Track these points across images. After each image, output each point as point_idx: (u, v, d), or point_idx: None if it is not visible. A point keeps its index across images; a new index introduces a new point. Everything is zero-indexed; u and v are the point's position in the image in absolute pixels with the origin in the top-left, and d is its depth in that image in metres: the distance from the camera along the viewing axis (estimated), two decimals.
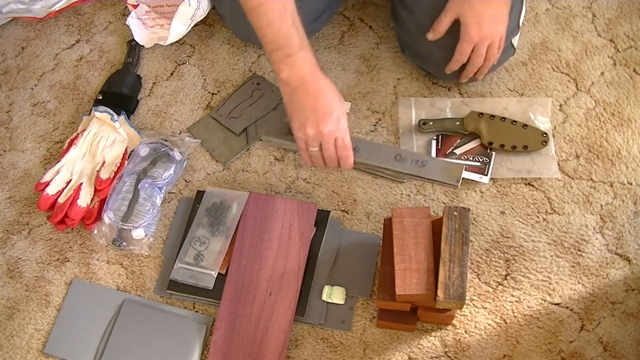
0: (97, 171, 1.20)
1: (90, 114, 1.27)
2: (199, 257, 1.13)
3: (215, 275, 1.11)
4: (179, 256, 1.13)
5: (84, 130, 1.24)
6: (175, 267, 1.13)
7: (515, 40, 1.25)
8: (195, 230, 1.16)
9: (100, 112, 1.24)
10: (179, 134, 1.28)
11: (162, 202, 1.21)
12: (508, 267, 1.14)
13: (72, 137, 1.25)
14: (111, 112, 1.24)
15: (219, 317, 1.05)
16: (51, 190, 1.18)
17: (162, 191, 1.21)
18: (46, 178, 1.19)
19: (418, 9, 1.19)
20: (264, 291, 1.04)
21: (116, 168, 1.21)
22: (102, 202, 1.19)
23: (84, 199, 1.18)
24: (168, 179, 1.21)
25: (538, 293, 1.11)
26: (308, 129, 1.07)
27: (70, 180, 1.20)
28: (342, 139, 1.08)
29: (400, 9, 1.24)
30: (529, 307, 1.11)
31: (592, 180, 1.20)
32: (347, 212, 1.20)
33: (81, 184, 1.19)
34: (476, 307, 1.11)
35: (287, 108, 1.10)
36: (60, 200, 1.18)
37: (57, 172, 1.20)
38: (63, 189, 1.19)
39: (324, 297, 1.11)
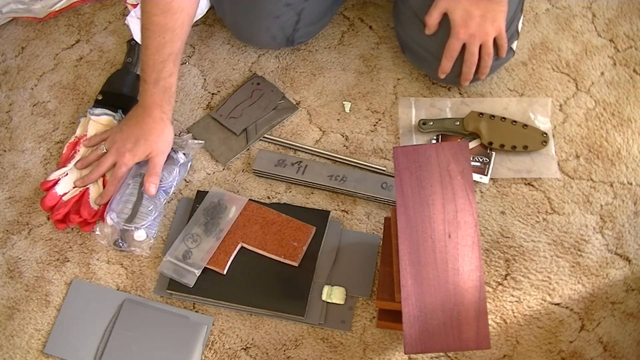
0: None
1: (86, 115, 1.26)
2: (187, 254, 1.13)
3: (198, 275, 1.12)
4: (170, 250, 1.14)
5: (84, 135, 1.24)
6: (163, 259, 1.13)
7: (514, 45, 1.25)
8: (191, 227, 1.16)
9: (97, 115, 1.24)
10: (179, 134, 1.28)
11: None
12: (508, 267, 1.14)
13: (71, 141, 1.24)
14: (110, 113, 1.24)
15: (402, 274, 1.01)
16: (60, 190, 1.18)
17: (167, 193, 1.20)
18: (53, 177, 1.19)
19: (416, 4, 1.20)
20: (442, 234, 1.01)
21: None
22: (106, 203, 1.18)
23: (93, 199, 1.17)
24: (172, 181, 1.21)
25: (538, 293, 1.11)
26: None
27: None
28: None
29: (403, 8, 1.24)
30: (529, 307, 1.10)
31: (592, 180, 1.20)
32: (347, 212, 1.20)
33: (88, 187, 1.19)
34: None
35: None
36: (65, 199, 1.17)
37: (65, 174, 1.20)
38: (70, 191, 1.19)
39: (324, 297, 1.11)
